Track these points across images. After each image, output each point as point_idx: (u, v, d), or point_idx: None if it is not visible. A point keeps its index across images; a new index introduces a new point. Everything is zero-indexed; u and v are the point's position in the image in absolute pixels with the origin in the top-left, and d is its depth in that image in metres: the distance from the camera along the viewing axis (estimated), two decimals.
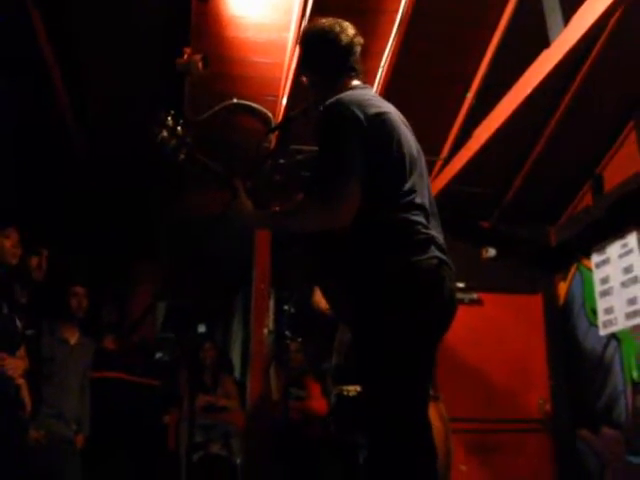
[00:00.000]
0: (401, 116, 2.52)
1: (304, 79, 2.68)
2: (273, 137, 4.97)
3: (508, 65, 4.79)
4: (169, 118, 2.46)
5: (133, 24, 4.90)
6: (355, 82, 2.57)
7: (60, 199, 5.83)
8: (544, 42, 4.15)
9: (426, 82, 5.28)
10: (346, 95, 2.38)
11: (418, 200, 2.30)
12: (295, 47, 4.94)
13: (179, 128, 2.47)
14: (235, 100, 5.35)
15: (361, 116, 2.28)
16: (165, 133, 2.44)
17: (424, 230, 2.26)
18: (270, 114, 5.34)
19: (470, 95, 5.37)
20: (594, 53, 5.00)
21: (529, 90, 4.33)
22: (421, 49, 4.98)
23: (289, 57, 5.09)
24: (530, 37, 4.42)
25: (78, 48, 5.02)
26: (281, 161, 2.85)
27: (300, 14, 4.74)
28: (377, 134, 2.29)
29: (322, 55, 2.58)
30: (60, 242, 4.75)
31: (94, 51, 5.04)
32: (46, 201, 5.68)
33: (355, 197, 2.20)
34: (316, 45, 2.60)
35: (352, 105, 2.30)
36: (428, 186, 2.45)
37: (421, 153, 2.50)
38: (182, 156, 2.47)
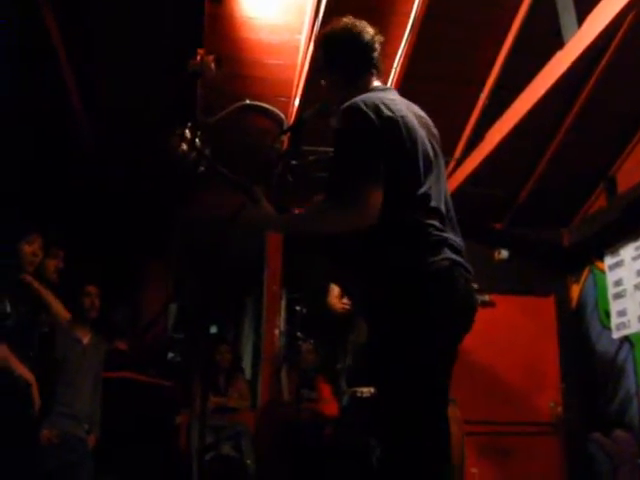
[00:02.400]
0: (423, 118, 2.51)
1: (323, 81, 2.67)
2: (285, 138, 4.98)
3: (521, 66, 4.78)
4: (187, 130, 2.44)
5: (147, 23, 4.92)
6: (376, 83, 2.56)
7: (71, 200, 5.85)
8: (558, 44, 4.14)
9: (439, 83, 5.27)
10: (363, 98, 2.35)
11: (433, 204, 2.29)
12: (308, 48, 4.95)
13: (197, 140, 2.46)
14: (248, 101, 5.37)
15: (375, 120, 2.26)
16: (185, 146, 2.42)
17: (436, 232, 2.25)
18: (283, 115, 5.35)
19: (483, 96, 5.36)
20: (608, 54, 4.98)
21: (542, 91, 4.32)
22: (434, 51, 4.97)
23: (302, 59, 5.10)
24: (544, 38, 4.41)
25: (91, 47, 5.04)
26: (293, 162, 2.83)
27: (313, 16, 4.74)
28: (390, 138, 2.28)
29: (344, 54, 2.55)
30: (72, 243, 4.77)
31: (107, 50, 5.06)
32: (58, 202, 5.70)
33: (377, 202, 2.18)
34: (338, 44, 2.57)
35: (368, 108, 2.28)
36: (445, 189, 2.43)
37: (440, 156, 2.48)
38: (202, 168, 2.45)
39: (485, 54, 5.15)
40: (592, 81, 5.22)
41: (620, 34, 4.76)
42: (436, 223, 2.27)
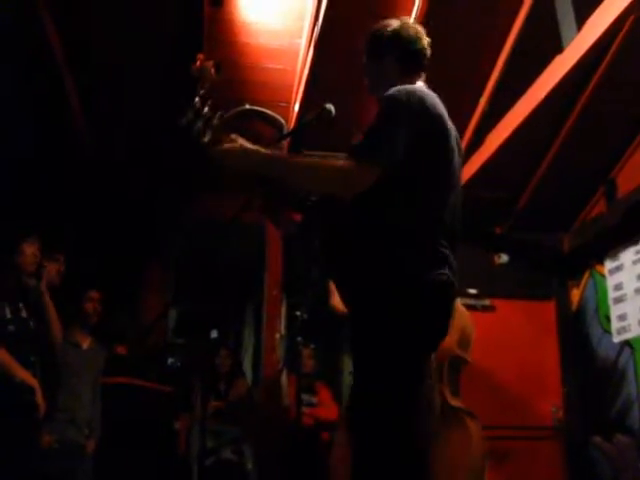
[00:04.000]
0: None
1: (369, 72, 2.65)
2: (285, 143, 4.96)
3: (521, 70, 4.78)
4: (197, 99, 2.41)
5: (146, 29, 4.92)
6: (420, 83, 2.56)
7: (71, 204, 5.85)
8: (557, 47, 4.15)
9: (438, 87, 5.24)
10: (414, 87, 2.36)
11: (447, 217, 2.29)
12: (307, 53, 4.95)
13: (206, 109, 2.42)
14: (247, 106, 5.35)
15: (421, 113, 2.26)
16: (191, 115, 2.39)
17: (442, 249, 2.24)
18: (283, 120, 5.33)
19: (483, 101, 5.36)
20: (607, 58, 4.98)
21: (542, 95, 4.32)
22: (434, 55, 4.96)
23: (301, 63, 5.10)
24: (543, 42, 4.41)
25: (91, 52, 5.04)
26: None
27: (312, 21, 4.75)
28: (431, 138, 2.27)
29: (398, 51, 2.57)
30: (71, 247, 4.76)
31: (107, 55, 5.06)
32: (57, 205, 5.69)
33: (371, 181, 2.17)
34: (395, 40, 2.58)
35: (417, 100, 2.29)
36: (458, 204, 2.41)
37: (461, 169, 2.48)
38: (206, 138, 2.42)
39: (485, 58, 5.15)
40: (592, 85, 5.22)
41: (619, 38, 4.76)
42: (443, 238, 2.26)
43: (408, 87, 2.34)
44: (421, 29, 2.63)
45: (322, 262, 2.46)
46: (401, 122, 2.23)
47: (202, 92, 2.41)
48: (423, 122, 2.26)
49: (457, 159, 2.39)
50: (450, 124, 2.39)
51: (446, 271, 2.22)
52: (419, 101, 2.29)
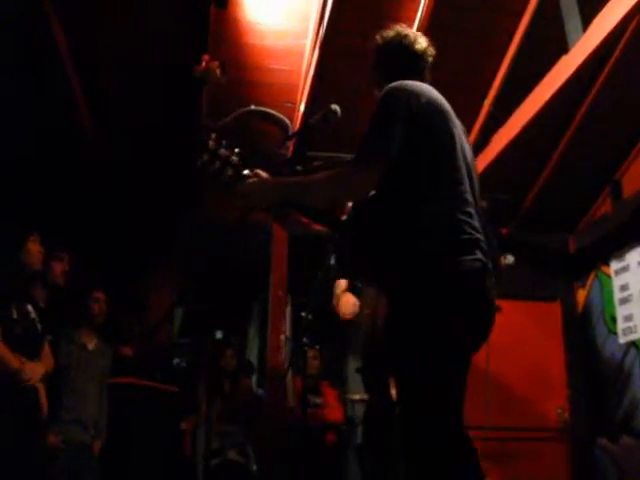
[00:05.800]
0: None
1: (373, 80, 2.66)
2: (291, 144, 4.98)
3: (526, 71, 4.77)
4: (210, 142, 2.48)
5: (152, 29, 4.93)
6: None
7: (77, 204, 5.86)
8: (563, 48, 4.14)
9: (444, 90, 5.25)
10: (404, 83, 2.37)
11: (469, 198, 2.27)
12: (313, 54, 4.95)
13: (223, 150, 2.49)
14: (253, 107, 5.37)
15: (413, 103, 2.27)
16: (206, 157, 2.46)
17: (471, 230, 2.19)
18: (288, 121, 5.35)
19: (488, 102, 5.35)
20: (613, 58, 4.98)
21: (547, 96, 4.32)
22: (439, 57, 4.96)
23: (307, 64, 5.10)
24: (549, 43, 4.41)
25: (96, 52, 5.05)
26: (299, 168, 2.84)
27: (318, 21, 4.75)
28: (429, 123, 2.29)
29: (396, 58, 2.60)
30: (77, 247, 4.77)
31: (113, 57, 5.07)
32: (63, 206, 5.70)
33: (370, 181, 2.24)
34: (392, 49, 2.61)
35: (405, 92, 2.31)
36: (477, 187, 2.40)
37: (471, 153, 2.48)
38: (229, 174, 2.49)
39: (491, 59, 5.14)
40: (597, 85, 5.22)
41: (625, 38, 4.75)
42: (471, 220, 2.22)
43: (395, 83, 2.37)
44: (418, 35, 2.66)
45: (356, 267, 2.47)
46: (393, 116, 2.25)
47: (214, 135, 2.48)
48: (417, 110, 2.27)
49: (460, 137, 2.39)
50: (447, 108, 2.40)
51: (479, 255, 2.16)
52: (409, 92, 2.31)
